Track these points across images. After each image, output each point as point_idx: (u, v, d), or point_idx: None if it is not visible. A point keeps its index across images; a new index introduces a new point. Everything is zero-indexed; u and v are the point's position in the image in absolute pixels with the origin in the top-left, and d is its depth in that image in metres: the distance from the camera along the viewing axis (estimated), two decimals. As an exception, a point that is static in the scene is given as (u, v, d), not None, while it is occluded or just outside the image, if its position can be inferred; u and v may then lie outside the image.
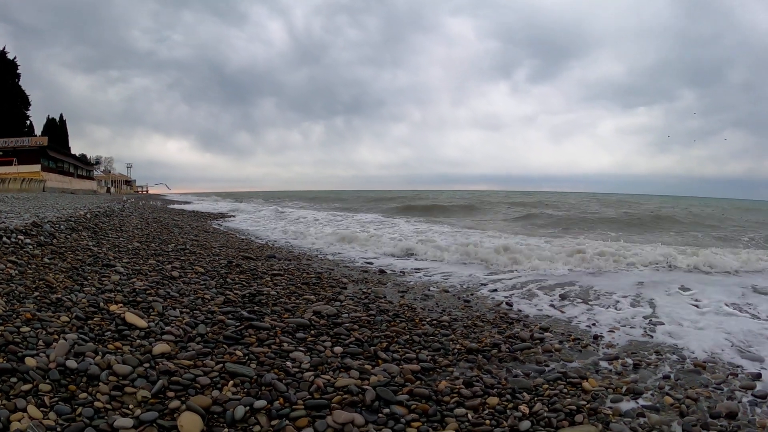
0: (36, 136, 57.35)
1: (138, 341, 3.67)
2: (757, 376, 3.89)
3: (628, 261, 9.68)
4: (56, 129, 69.97)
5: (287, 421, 2.79)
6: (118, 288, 5.11)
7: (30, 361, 2.95)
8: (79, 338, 3.46)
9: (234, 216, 25.86)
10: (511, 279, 8.03)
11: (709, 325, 5.34)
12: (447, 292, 6.88)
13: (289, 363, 3.56)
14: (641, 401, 3.40)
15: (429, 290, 6.94)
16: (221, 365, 3.35)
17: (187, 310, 4.67)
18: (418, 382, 3.49)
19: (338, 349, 4.03)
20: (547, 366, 4.05)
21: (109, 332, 3.77)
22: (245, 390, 3.08)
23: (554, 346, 4.51)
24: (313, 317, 4.81)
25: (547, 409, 3.16)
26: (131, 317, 4.06)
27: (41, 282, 4.80)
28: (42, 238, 7.02)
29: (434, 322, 5.12)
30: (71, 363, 3.03)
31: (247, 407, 2.85)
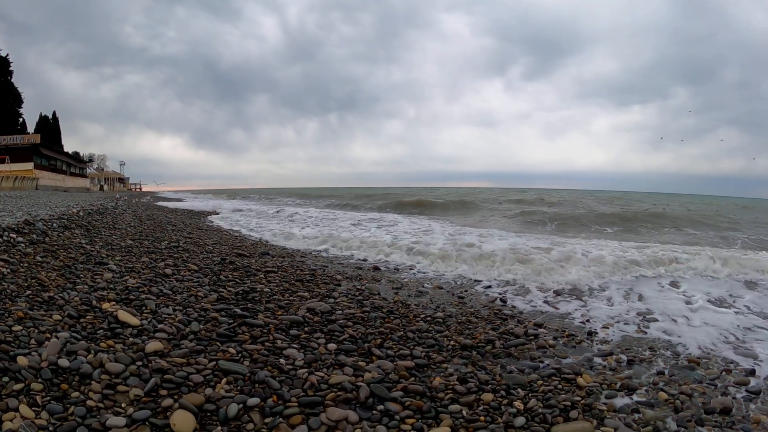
0: (29, 133, 57.01)
1: (131, 339, 3.64)
2: (751, 372, 3.91)
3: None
4: (49, 126, 69.67)
5: (281, 419, 2.78)
6: (111, 286, 5.08)
7: (22, 360, 2.93)
8: (72, 337, 3.44)
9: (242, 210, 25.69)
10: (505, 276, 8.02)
11: (702, 321, 5.37)
12: (441, 288, 6.88)
13: (282, 360, 3.54)
14: (636, 397, 3.42)
15: (423, 287, 6.93)
16: (214, 363, 3.33)
17: (180, 308, 4.65)
18: (413, 378, 3.48)
19: (332, 346, 4.02)
20: (542, 362, 4.06)
21: (102, 330, 3.74)
22: (238, 388, 3.07)
23: (548, 342, 4.52)
24: (307, 314, 4.80)
25: (541, 405, 3.16)
26: (124, 315, 4.04)
27: (33, 280, 4.77)
28: (34, 236, 6.97)
29: (428, 318, 5.12)
30: (63, 362, 3.00)
31: (241, 405, 2.83)
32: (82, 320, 3.88)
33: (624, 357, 4.22)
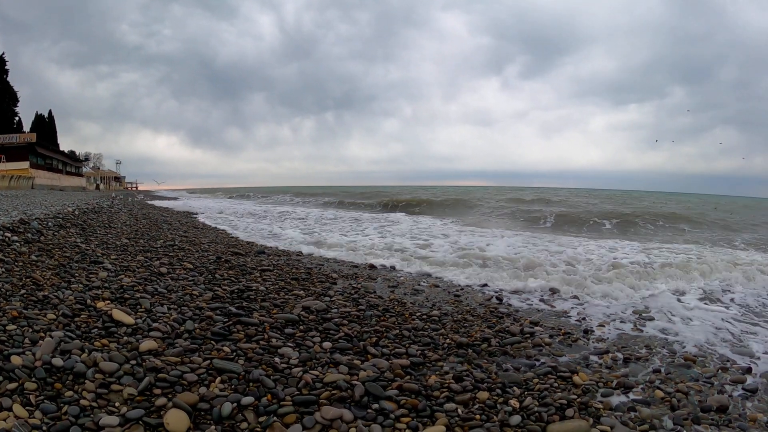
0: (24, 132, 56.86)
1: (125, 338, 3.62)
2: (748, 370, 3.91)
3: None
4: (45, 125, 69.41)
5: (275, 418, 2.77)
6: (106, 285, 5.05)
7: (16, 360, 2.91)
8: (66, 336, 3.42)
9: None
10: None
11: (698, 319, 5.37)
12: (437, 287, 6.86)
13: (277, 359, 3.53)
14: (632, 395, 3.41)
15: (419, 285, 6.92)
16: (209, 362, 3.31)
17: (175, 307, 4.63)
18: (408, 377, 3.47)
19: (327, 344, 4.01)
20: (538, 360, 4.05)
21: (96, 329, 3.73)
22: (233, 386, 3.05)
23: (544, 341, 4.51)
24: (302, 313, 4.78)
25: (537, 403, 3.15)
26: (118, 314, 4.02)
27: (28, 279, 4.76)
28: (29, 235, 6.95)
29: (424, 316, 5.11)
30: (57, 361, 2.99)
31: (235, 404, 2.82)
32: (76, 319, 3.87)
33: (620, 355, 4.21)
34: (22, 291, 4.35)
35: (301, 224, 17.31)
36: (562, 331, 4.87)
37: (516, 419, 2.95)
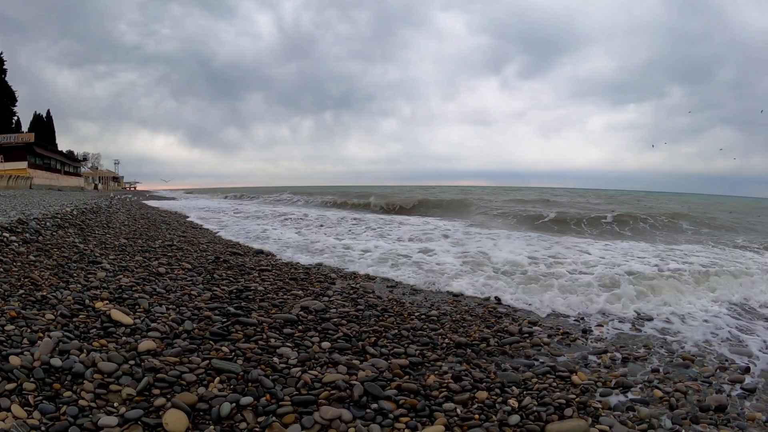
0: (23, 132, 56.84)
1: (123, 338, 3.62)
2: (746, 370, 3.92)
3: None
4: (43, 125, 69.37)
5: (274, 418, 2.77)
6: (104, 285, 5.05)
7: (14, 360, 2.91)
8: (64, 336, 3.42)
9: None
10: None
11: (697, 319, 5.37)
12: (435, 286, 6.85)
13: (276, 359, 3.53)
14: (630, 395, 3.42)
15: (418, 285, 6.91)
16: (207, 362, 3.32)
17: (174, 307, 4.63)
18: (407, 376, 3.47)
19: (326, 344, 4.01)
20: (536, 360, 4.06)
21: (95, 329, 3.73)
22: (231, 386, 3.05)
23: (543, 340, 4.52)
24: (301, 313, 4.79)
25: (536, 403, 3.16)
26: (117, 314, 4.01)
27: (26, 280, 4.75)
28: (27, 235, 6.94)
29: (423, 316, 5.11)
30: (56, 361, 2.99)
31: (234, 404, 2.82)
32: (74, 319, 3.87)
33: (619, 355, 4.22)
34: (21, 291, 4.35)
35: (295, 226, 16.65)
36: (561, 330, 4.87)
37: (515, 419, 2.96)
